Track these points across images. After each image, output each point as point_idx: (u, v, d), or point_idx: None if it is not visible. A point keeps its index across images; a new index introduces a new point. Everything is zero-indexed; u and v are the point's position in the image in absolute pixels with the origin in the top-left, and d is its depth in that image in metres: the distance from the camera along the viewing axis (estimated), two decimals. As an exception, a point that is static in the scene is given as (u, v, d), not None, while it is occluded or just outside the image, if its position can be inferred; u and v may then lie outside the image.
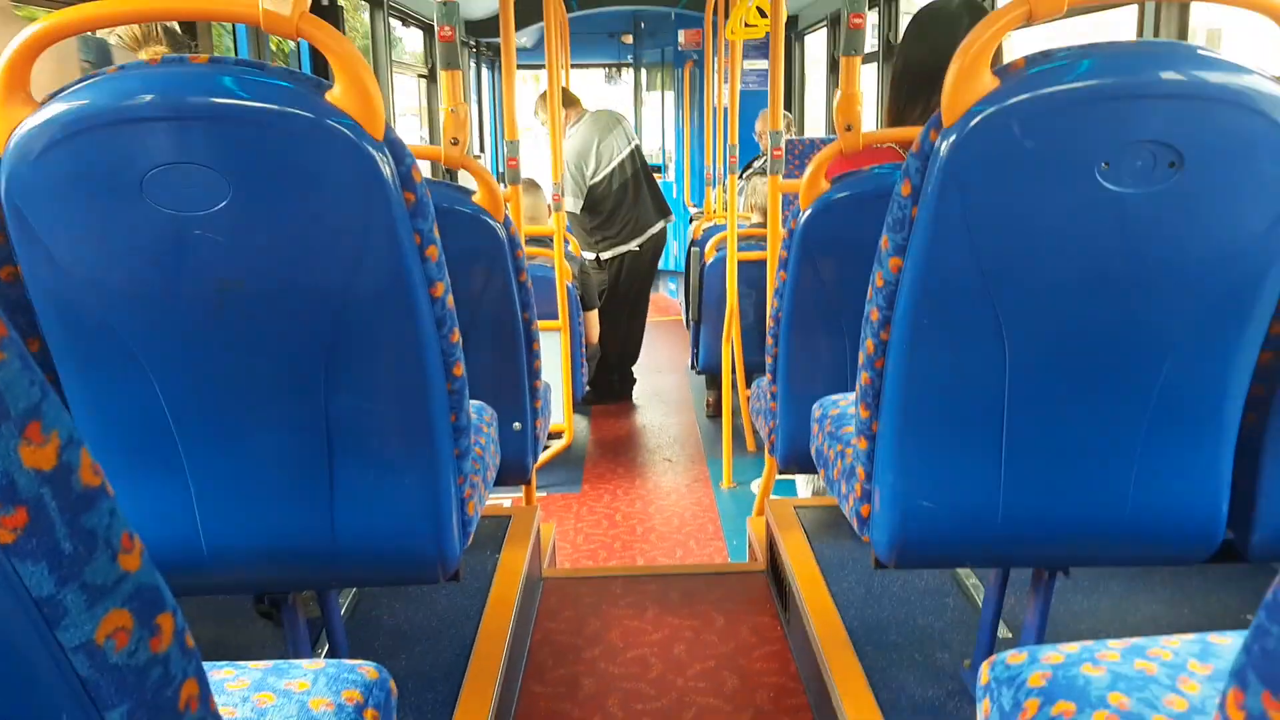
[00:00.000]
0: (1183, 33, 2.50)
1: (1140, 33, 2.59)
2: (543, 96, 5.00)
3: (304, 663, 1.02)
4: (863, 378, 1.37)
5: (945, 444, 1.32)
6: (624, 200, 5.03)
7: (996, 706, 1.03)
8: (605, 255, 5.11)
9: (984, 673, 1.07)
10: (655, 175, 5.43)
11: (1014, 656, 1.05)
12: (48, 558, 0.46)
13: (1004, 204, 1.18)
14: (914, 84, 2.01)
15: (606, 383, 5.34)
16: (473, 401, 1.53)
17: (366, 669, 1.03)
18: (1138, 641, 1.06)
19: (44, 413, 0.46)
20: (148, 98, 1.12)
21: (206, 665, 0.99)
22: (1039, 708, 0.97)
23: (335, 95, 1.15)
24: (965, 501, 1.33)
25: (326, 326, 1.22)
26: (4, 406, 0.44)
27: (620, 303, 5.18)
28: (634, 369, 5.50)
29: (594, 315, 4.75)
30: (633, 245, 5.11)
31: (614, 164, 4.98)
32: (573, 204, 4.94)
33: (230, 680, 0.98)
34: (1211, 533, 1.34)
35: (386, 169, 1.16)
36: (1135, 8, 2.63)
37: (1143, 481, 1.31)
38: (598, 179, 4.96)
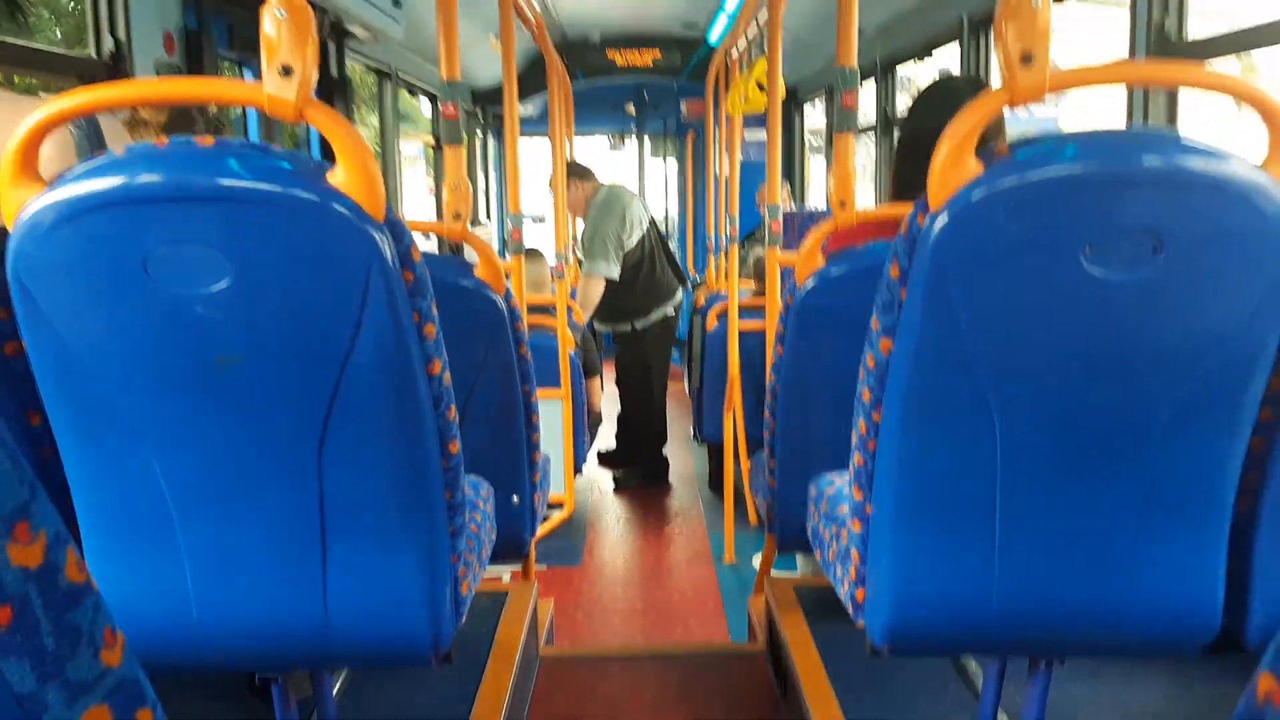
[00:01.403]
0: (1171, 116, 2.55)
1: (1130, 117, 2.64)
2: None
3: None
4: (856, 459, 1.37)
5: (938, 529, 1.31)
6: (655, 267, 5.02)
7: None
8: (644, 323, 5.03)
9: None
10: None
11: None
12: (30, 655, 0.46)
13: (990, 288, 1.19)
14: (919, 155, 2.05)
15: (650, 461, 5.26)
16: (469, 476, 1.53)
17: None
18: None
19: (32, 512, 0.46)
20: (153, 178, 1.14)
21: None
22: None
23: (337, 177, 1.17)
24: (959, 588, 1.32)
25: (323, 403, 1.23)
26: None
27: (661, 375, 5.15)
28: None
29: (596, 382, 4.74)
30: (668, 309, 5.09)
31: (642, 231, 4.97)
32: (606, 269, 4.83)
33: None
34: (1207, 621, 1.32)
35: (386, 249, 1.18)
36: (1124, 91, 2.68)
37: (1135, 569, 1.29)
38: (633, 243, 4.91)
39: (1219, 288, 1.16)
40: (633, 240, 4.92)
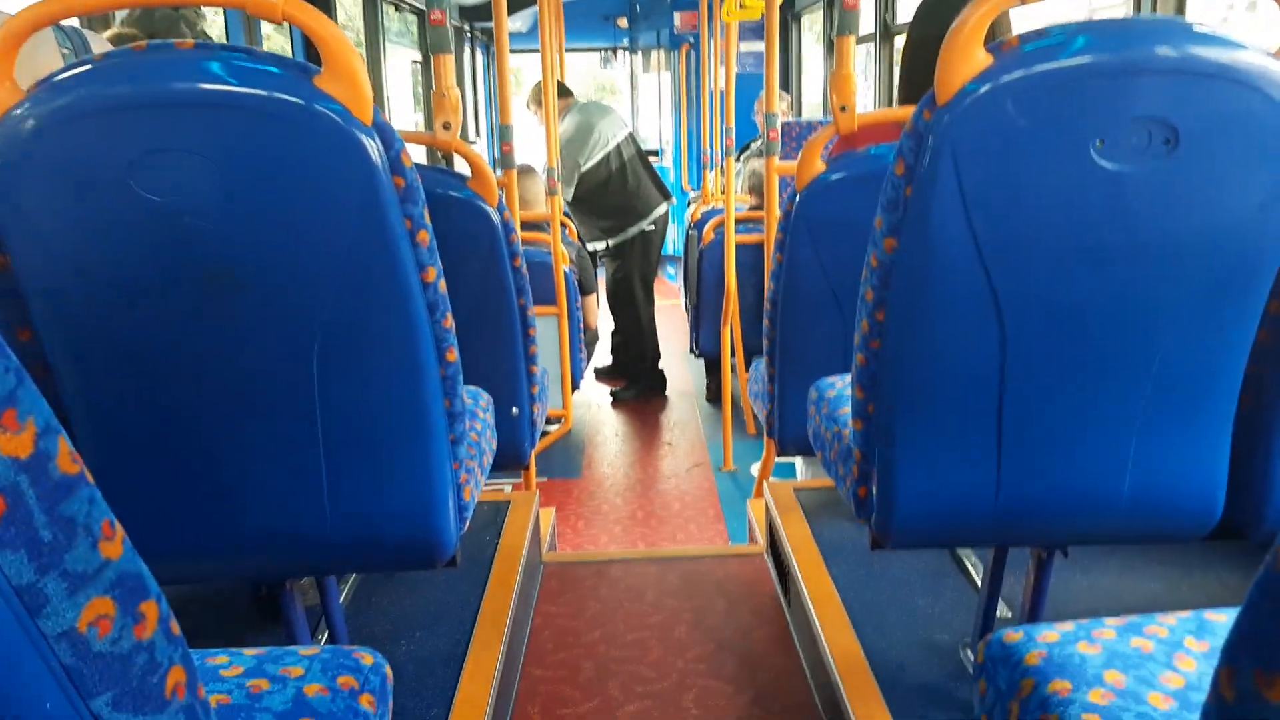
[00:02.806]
0: (1180, 7, 2.48)
1: (1137, 7, 2.57)
2: (535, 88, 4.99)
3: (299, 649, 1.02)
4: (858, 359, 1.37)
5: (941, 424, 1.32)
6: (625, 184, 5.00)
7: (993, 686, 1.03)
8: (618, 240, 5.05)
9: (980, 652, 1.07)
10: (652, 159, 5.40)
11: (1010, 635, 1.05)
12: (26, 546, 0.46)
13: (998, 182, 1.17)
14: (924, 62, 2.00)
15: (646, 375, 5.29)
16: (468, 387, 1.53)
17: (362, 654, 1.03)
18: (1134, 619, 1.06)
19: (19, 399, 0.45)
20: (134, 84, 1.11)
21: (201, 653, 0.99)
22: (1034, 687, 0.97)
23: (323, 80, 1.14)
24: (962, 481, 1.33)
25: (317, 312, 1.21)
26: None
27: (646, 289, 5.16)
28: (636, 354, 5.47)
29: (592, 300, 4.73)
30: (644, 225, 5.08)
31: (609, 149, 4.95)
32: (565, 191, 4.89)
33: (224, 668, 0.98)
34: (1209, 510, 1.34)
35: (375, 154, 1.16)
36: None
37: (1140, 459, 1.30)
38: (593, 162, 4.92)
39: (1231, 178, 1.14)
40: (593, 159, 4.91)
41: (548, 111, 4.01)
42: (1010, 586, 1.86)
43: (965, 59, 1.14)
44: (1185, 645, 1.01)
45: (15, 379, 0.45)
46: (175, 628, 0.57)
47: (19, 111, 1.11)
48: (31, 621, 0.47)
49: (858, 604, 1.98)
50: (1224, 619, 1.05)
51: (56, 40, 1.53)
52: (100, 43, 1.62)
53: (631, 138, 5.10)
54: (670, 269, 8.84)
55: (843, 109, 2.01)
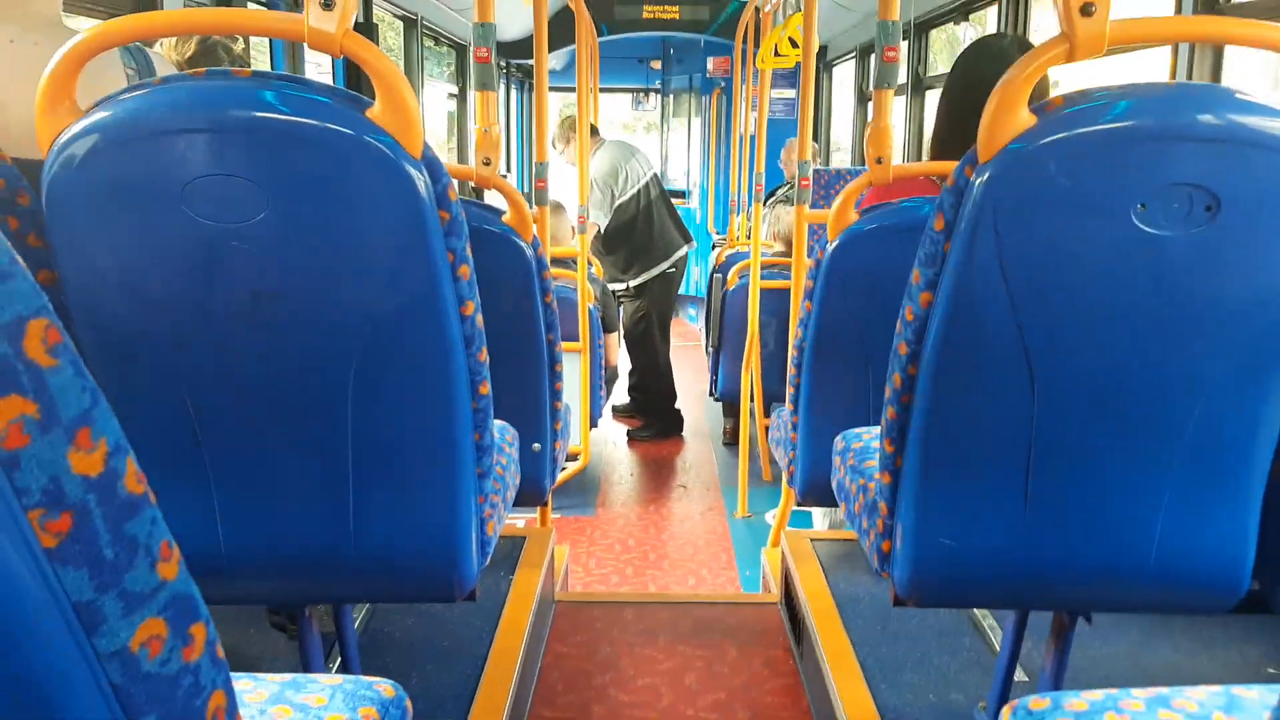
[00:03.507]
0: (1216, 73, 2.49)
1: (1174, 73, 2.59)
2: (563, 123, 5.07)
3: (321, 677, 1.02)
4: (888, 412, 1.36)
5: (970, 482, 1.31)
6: (651, 224, 5.07)
7: None
8: (639, 280, 5.09)
9: (1005, 717, 1.06)
10: (678, 201, 5.46)
11: (1036, 702, 1.03)
12: (89, 564, 0.47)
13: (1038, 242, 1.17)
14: (962, 116, 2.01)
15: (663, 415, 5.30)
16: (496, 421, 1.53)
17: (384, 686, 1.02)
18: (1163, 691, 1.04)
19: (94, 419, 0.46)
20: (190, 109, 1.13)
21: (225, 676, 0.99)
22: None
23: (375, 113, 1.16)
24: (988, 541, 1.32)
25: (357, 341, 1.22)
26: (56, 412, 0.44)
27: (663, 329, 5.20)
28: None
29: (614, 338, 4.75)
30: (665, 266, 5.13)
31: (638, 186, 5.04)
32: (600, 217, 4.95)
33: (248, 692, 0.97)
34: (1236, 582, 1.32)
35: (423, 187, 1.17)
36: (1169, 49, 2.62)
37: (1169, 528, 1.29)
38: (624, 199, 5.00)
39: (1272, 246, 1.14)
40: (626, 194, 4.99)
41: (581, 149, 4.06)
42: (1027, 650, 1.83)
43: (1009, 117, 1.14)
44: (1215, 721, 1.00)
45: (91, 399, 0.46)
46: (220, 651, 0.57)
47: (76, 130, 1.13)
48: (86, 639, 0.48)
49: (872, 660, 1.95)
50: (1254, 695, 1.04)
51: (122, 60, 1.56)
52: (165, 65, 1.66)
53: (656, 178, 5.18)
54: (691, 310, 8.86)
55: (879, 161, 2.02)
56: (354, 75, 3.99)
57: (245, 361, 1.24)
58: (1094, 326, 1.20)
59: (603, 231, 5.00)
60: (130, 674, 0.50)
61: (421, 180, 1.17)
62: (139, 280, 1.19)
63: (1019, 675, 1.85)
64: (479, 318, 1.31)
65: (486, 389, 1.36)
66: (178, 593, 0.53)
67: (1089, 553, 1.31)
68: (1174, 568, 1.31)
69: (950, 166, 1.23)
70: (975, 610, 2.11)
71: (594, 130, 5.20)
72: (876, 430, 1.62)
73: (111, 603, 0.48)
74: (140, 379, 1.25)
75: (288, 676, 1.01)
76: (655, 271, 5.10)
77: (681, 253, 5.19)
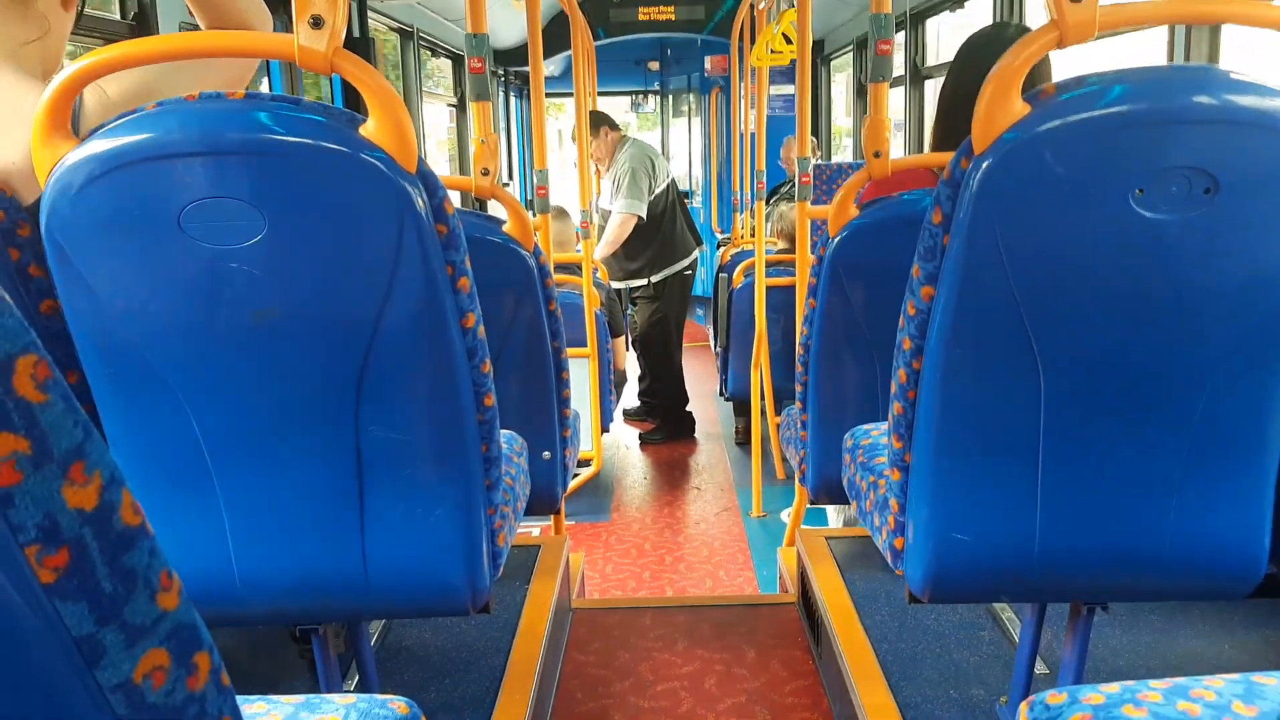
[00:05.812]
0: (1213, 54, 2.48)
1: (1170, 55, 2.57)
2: (593, 120, 5.07)
3: (335, 697, 1.02)
4: (895, 408, 1.36)
5: (980, 475, 1.30)
6: (674, 221, 5.11)
7: None
8: (659, 276, 5.09)
9: (1023, 713, 1.05)
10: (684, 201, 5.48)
11: (1053, 697, 1.02)
12: (88, 597, 0.46)
13: (1037, 231, 1.16)
14: (961, 108, 2.00)
15: (675, 418, 5.30)
16: (503, 431, 1.53)
17: (398, 704, 1.02)
18: (1180, 682, 1.03)
19: (87, 453, 0.46)
20: (186, 133, 1.13)
21: (238, 700, 0.99)
22: None
23: (369, 129, 1.16)
24: (1001, 535, 1.31)
25: (359, 357, 1.23)
26: (48, 448, 0.44)
27: (679, 331, 5.21)
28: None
29: (620, 342, 4.75)
30: (683, 266, 5.15)
31: (666, 182, 5.10)
32: (639, 207, 4.94)
33: (262, 715, 0.97)
34: (1253, 567, 1.31)
35: (419, 202, 1.17)
36: (1165, 30, 2.61)
37: (1182, 514, 1.28)
38: (656, 193, 5.02)
39: (1272, 227, 1.13)
40: (657, 190, 5.01)
41: (580, 153, 4.06)
42: (1047, 642, 1.82)
43: (1002, 107, 1.14)
44: (1234, 710, 0.99)
45: (83, 433, 0.46)
46: (225, 679, 0.57)
47: (73, 158, 1.13)
48: (89, 672, 0.47)
49: (891, 656, 1.94)
50: (1273, 682, 1.03)
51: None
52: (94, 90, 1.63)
53: (673, 180, 5.22)
54: (699, 310, 8.86)
55: (876, 154, 2.01)
56: (352, 92, 4.01)
57: (250, 382, 1.24)
58: (1097, 314, 1.19)
59: (642, 215, 4.97)
60: (135, 705, 0.50)
61: (417, 195, 1.17)
62: (140, 305, 1.19)
63: (1039, 668, 1.84)
64: (481, 329, 1.31)
65: (491, 400, 1.36)
66: (180, 622, 0.52)
67: (1102, 542, 1.30)
68: (1189, 554, 1.30)
69: (948, 158, 1.22)
70: (994, 603, 2.10)
71: (614, 122, 5.22)
72: (885, 426, 1.61)
73: (112, 635, 0.48)
74: (146, 402, 1.25)
75: (301, 698, 1.01)
76: (675, 269, 5.11)
77: (695, 255, 5.22)
